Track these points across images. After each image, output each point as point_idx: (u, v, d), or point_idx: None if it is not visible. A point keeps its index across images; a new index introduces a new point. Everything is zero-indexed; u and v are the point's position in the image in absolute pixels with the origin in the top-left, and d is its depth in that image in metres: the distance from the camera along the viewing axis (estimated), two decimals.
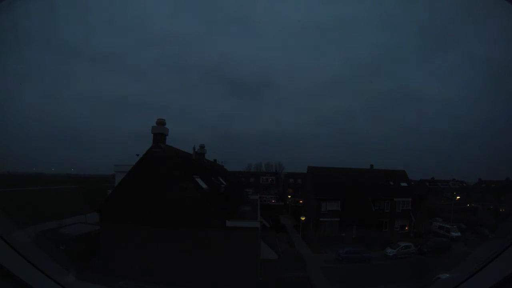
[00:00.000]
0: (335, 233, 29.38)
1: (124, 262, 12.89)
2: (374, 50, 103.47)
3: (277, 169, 59.41)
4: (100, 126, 62.34)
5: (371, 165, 36.59)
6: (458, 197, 37.84)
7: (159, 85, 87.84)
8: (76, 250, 14.91)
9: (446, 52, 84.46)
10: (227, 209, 15.46)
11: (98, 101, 73.30)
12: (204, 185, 15.36)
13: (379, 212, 31.60)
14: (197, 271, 12.81)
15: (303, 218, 32.04)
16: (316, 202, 30.76)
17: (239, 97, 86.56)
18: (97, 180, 36.62)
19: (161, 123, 14.95)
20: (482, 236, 26.09)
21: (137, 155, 15.88)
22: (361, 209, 30.48)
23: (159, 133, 14.86)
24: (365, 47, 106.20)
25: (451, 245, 25.51)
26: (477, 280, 1.50)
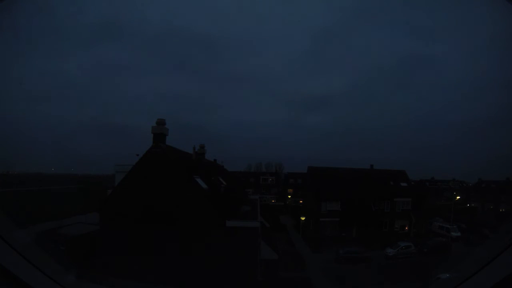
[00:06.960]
0: (335, 233, 29.38)
1: (124, 262, 12.90)
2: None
3: (277, 169, 59.50)
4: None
5: (371, 165, 36.64)
6: (458, 197, 37.85)
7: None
8: (76, 250, 14.89)
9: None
10: (227, 209, 15.46)
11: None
12: (204, 185, 15.36)
13: (379, 212, 31.59)
14: (197, 271, 12.82)
15: (303, 218, 32.03)
16: (316, 202, 30.75)
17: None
18: (97, 180, 36.67)
19: (161, 123, 14.94)
20: (482, 236, 26.10)
21: (137, 155, 15.88)
22: (361, 209, 30.45)
23: (159, 133, 14.85)
24: None
25: (451, 245, 25.52)
26: (477, 280, 1.50)
